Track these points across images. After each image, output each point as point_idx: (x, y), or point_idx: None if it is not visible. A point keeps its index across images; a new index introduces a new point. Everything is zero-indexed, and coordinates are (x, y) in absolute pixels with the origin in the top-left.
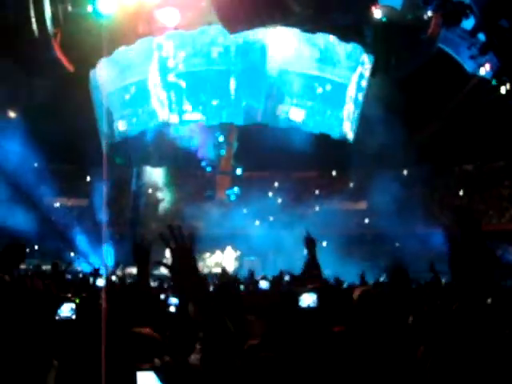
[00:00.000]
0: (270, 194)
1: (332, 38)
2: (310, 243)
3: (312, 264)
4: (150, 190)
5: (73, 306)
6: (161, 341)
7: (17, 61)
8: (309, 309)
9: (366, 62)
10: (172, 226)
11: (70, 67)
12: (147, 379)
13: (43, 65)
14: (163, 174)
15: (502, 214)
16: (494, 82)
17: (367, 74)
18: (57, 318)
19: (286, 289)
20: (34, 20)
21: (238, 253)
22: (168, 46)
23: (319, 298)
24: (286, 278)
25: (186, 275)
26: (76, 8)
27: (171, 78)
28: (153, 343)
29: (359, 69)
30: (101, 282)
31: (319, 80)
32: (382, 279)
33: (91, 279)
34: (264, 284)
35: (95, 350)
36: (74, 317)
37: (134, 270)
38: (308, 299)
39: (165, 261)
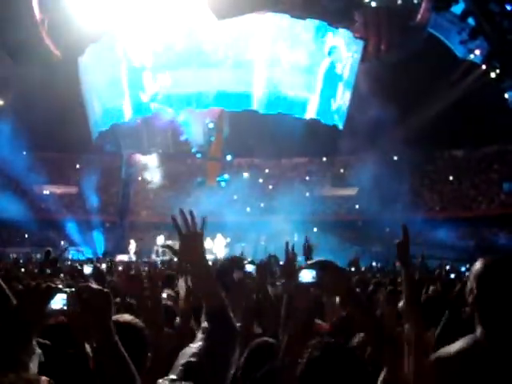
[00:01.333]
0: (261, 180)
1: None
2: (309, 251)
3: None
4: (140, 178)
5: (64, 296)
6: (143, 329)
7: (4, 48)
8: (308, 284)
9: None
10: (183, 211)
11: (57, 54)
12: None
13: (31, 51)
14: (153, 160)
15: (491, 199)
16: (484, 67)
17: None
18: (48, 309)
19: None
20: (20, 6)
21: (229, 239)
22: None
23: (318, 274)
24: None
25: (194, 262)
26: None
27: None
28: (133, 332)
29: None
30: (87, 270)
31: None
32: (373, 264)
33: (79, 267)
34: (250, 268)
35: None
36: (65, 308)
37: (124, 258)
38: (307, 275)
39: (156, 248)
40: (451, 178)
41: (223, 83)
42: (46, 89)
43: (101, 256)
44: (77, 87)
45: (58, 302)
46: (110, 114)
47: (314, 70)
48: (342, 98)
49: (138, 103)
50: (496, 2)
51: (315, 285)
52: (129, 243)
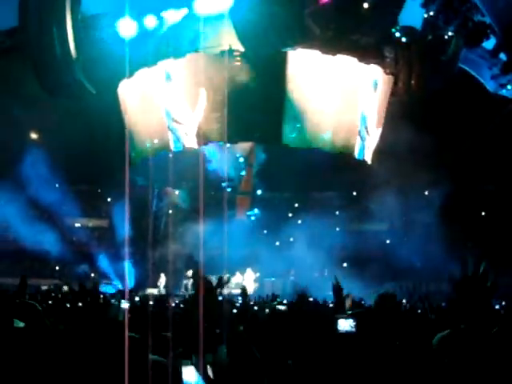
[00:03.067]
0: (290, 214)
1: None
2: (338, 291)
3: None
4: (170, 211)
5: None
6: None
7: (39, 83)
8: (346, 333)
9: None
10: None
11: (91, 89)
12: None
13: (66, 87)
14: (183, 194)
15: None
16: None
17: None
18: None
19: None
20: (56, 43)
21: (258, 274)
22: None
23: (357, 323)
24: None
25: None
26: (98, 31)
27: None
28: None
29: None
30: (125, 305)
31: None
32: (404, 301)
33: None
34: (281, 308)
35: None
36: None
37: (154, 291)
38: (345, 324)
39: (185, 282)
40: (483, 213)
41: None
42: (79, 123)
43: (133, 289)
44: (109, 121)
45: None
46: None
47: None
48: (374, 133)
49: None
50: None
51: (353, 334)
52: (159, 276)
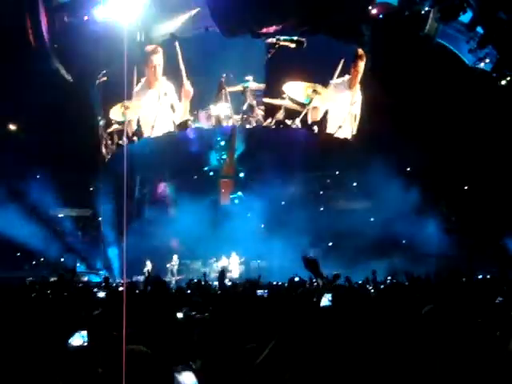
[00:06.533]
0: (274, 195)
1: None
2: (311, 264)
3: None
4: (153, 197)
5: (84, 333)
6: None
7: (16, 72)
8: (324, 308)
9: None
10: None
11: (69, 77)
12: (185, 379)
13: (42, 75)
14: (165, 180)
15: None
16: (494, 75)
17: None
18: (69, 346)
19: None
20: (30, 31)
21: (244, 257)
22: None
23: (334, 298)
24: (296, 279)
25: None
26: (73, 17)
27: None
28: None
29: None
30: (101, 295)
31: None
32: (389, 278)
33: (96, 290)
34: (261, 292)
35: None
36: (86, 344)
37: (140, 278)
38: (323, 299)
39: (170, 267)
40: (466, 187)
41: None
42: (58, 112)
43: (117, 278)
44: (90, 110)
45: (79, 338)
46: None
47: None
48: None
49: None
50: (504, 10)
51: (330, 308)
52: (144, 264)
